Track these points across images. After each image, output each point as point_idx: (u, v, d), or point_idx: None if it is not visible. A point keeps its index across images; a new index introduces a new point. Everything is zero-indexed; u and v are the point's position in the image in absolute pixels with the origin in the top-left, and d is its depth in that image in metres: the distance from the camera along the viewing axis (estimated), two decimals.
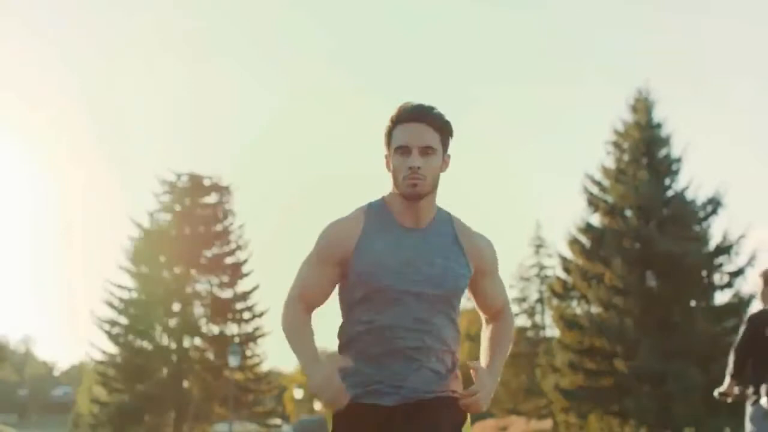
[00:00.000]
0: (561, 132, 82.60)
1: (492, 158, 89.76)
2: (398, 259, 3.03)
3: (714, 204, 29.08)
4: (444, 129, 3.07)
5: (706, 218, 29.28)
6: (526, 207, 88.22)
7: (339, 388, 2.89)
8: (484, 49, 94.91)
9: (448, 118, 3.11)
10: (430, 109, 3.07)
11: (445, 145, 3.08)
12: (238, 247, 37.79)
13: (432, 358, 3.05)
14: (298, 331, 3.09)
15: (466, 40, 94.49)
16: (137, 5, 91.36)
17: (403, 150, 3.02)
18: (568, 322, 29.39)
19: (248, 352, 36.96)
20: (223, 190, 37.99)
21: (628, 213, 29.13)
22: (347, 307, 3.12)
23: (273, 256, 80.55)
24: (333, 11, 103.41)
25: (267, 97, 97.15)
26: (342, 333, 3.14)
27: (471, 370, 3.09)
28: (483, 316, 3.32)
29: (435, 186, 3.08)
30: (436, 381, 3.07)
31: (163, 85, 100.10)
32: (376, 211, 3.12)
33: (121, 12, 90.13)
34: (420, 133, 3.02)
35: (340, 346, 3.14)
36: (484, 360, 3.20)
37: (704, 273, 28.57)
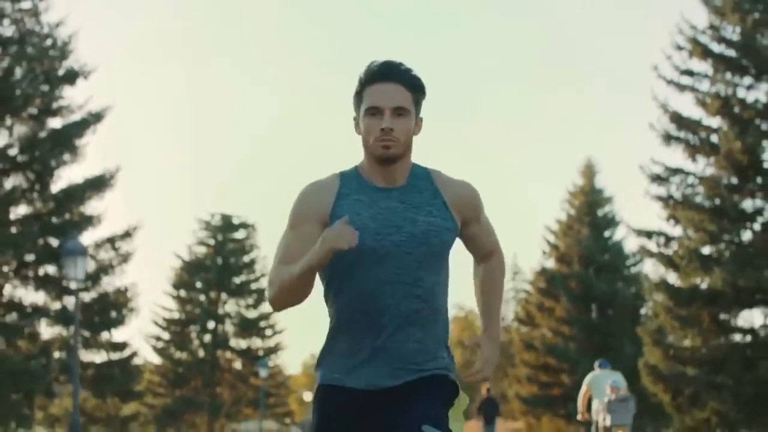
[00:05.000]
0: (560, 136, 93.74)
1: (492, 163, 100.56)
2: (378, 220, 3.08)
3: (641, 252, 40.67)
4: (416, 88, 3.10)
5: (635, 264, 40.97)
6: (524, 210, 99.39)
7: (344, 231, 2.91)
8: (485, 54, 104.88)
9: (419, 74, 3.14)
10: (401, 66, 3.11)
11: (417, 106, 3.12)
12: (262, 275, 49.13)
13: (421, 326, 3.09)
14: (286, 270, 3.05)
15: (468, 46, 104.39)
16: (136, 11, 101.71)
17: (374, 111, 3.05)
18: (527, 344, 41.22)
19: (270, 363, 48.55)
20: (249, 228, 49.53)
21: (574, 260, 40.82)
22: (330, 275, 3.15)
23: None
24: (335, 18, 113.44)
25: (267, 105, 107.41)
26: (326, 303, 3.19)
27: (470, 345, 3.30)
28: (474, 257, 3.39)
29: (408, 149, 3.12)
30: (424, 355, 3.11)
31: (162, 89, 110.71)
32: (348, 176, 3.17)
33: (121, 17, 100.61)
34: (391, 93, 3.05)
35: (330, 323, 3.18)
36: (481, 310, 3.35)
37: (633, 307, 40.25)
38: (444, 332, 3.19)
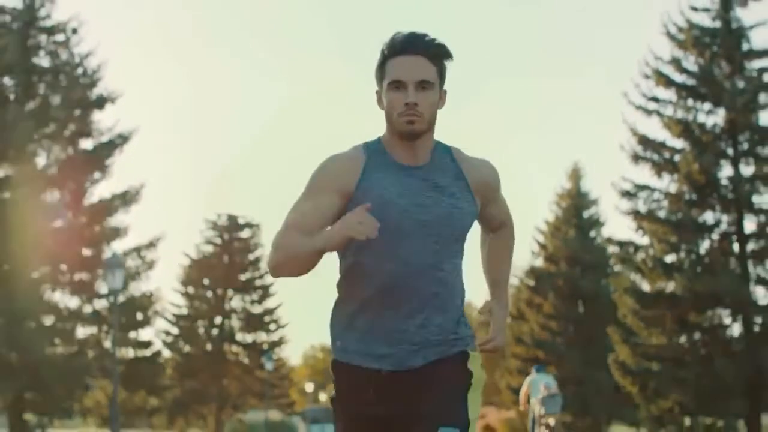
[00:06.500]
0: (556, 125, 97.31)
1: (489, 150, 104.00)
2: (406, 197, 3.11)
3: (615, 258, 44.48)
4: (441, 59, 3.14)
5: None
6: (519, 202, 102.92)
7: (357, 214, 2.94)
8: (485, 42, 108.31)
9: (444, 43, 3.15)
10: (425, 37, 3.12)
11: (442, 78, 3.16)
12: (266, 272, 52.74)
13: (441, 309, 3.16)
14: (298, 240, 3.06)
15: (469, 33, 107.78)
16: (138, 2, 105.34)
17: (398, 85, 3.08)
18: (517, 338, 45.12)
19: (274, 356, 52.33)
20: (254, 227, 53.28)
21: (561, 259, 44.66)
22: (350, 249, 3.16)
23: (294, 279, 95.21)
24: (338, 9, 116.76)
25: (271, 94, 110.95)
26: (343, 279, 3.24)
27: (482, 313, 3.37)
28: (482, 229, 3.50)
29: (432, 123, 3.15)
30: (443, 336, 3.17)
31: (163, 82, 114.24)
32: (373, 149, 3.19)
33: (122, 8, 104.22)
34: (415, 66, 3.08)
35: (340, 295, 3.26)
36: (489, 279, 3.50)
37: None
38: (460, 311, 3.22)
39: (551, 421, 19.09)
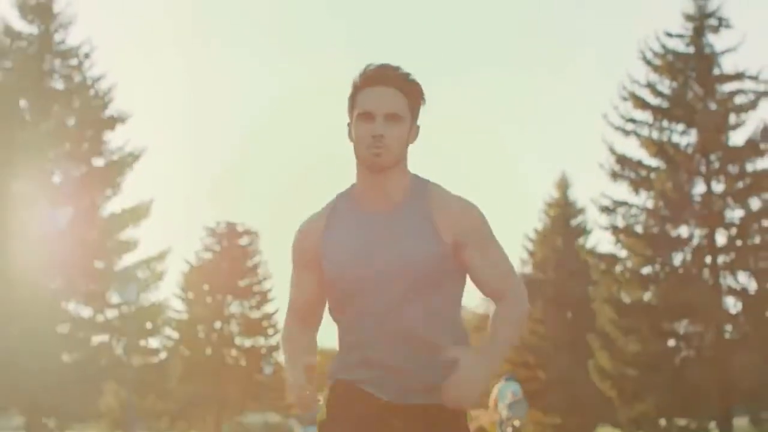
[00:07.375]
0: (548, 119, 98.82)
1: (480, 142, 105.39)
2: (360, 252, 3.07)
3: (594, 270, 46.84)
4: (413, 93, 3.08)
5: None
6: (511, 193, 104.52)
7: (303, 394, 3.05)
8: (481, 38, 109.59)
9: (417, 80, 3.09)
10: (397, 70, 3.08)
11: (414, 112, 3.10)
12: (264, 278, 54.73)
13: (416, 358, 3.05)
14: (286, 345, 3.28)
15: (466, 30, 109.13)
16: None
17: (366, 116, 3.03)
18: None
19: (272, 361, 54.53)
20: (252, 234, 55.49)
21: (549, 266, 47.13)
22: (330, 306, 3.24)
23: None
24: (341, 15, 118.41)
25: (271, 102, 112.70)
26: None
27: (450, 359, 2.95)
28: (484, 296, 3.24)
29: (401, 158, 3.08)
30: (421, 389, 3.07)
31: (163, 75, 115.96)
32: (342, 200, 3.18)
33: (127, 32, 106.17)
34: (385, 97, 3.03)
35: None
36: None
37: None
38: (444, 366, 3.05)
39: (516, 423, 21.74)
